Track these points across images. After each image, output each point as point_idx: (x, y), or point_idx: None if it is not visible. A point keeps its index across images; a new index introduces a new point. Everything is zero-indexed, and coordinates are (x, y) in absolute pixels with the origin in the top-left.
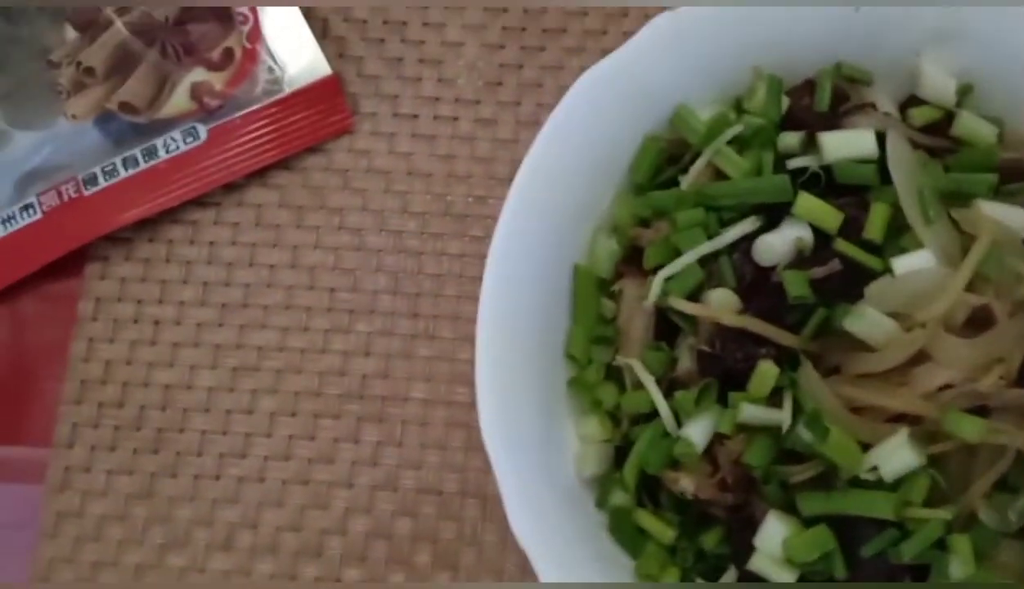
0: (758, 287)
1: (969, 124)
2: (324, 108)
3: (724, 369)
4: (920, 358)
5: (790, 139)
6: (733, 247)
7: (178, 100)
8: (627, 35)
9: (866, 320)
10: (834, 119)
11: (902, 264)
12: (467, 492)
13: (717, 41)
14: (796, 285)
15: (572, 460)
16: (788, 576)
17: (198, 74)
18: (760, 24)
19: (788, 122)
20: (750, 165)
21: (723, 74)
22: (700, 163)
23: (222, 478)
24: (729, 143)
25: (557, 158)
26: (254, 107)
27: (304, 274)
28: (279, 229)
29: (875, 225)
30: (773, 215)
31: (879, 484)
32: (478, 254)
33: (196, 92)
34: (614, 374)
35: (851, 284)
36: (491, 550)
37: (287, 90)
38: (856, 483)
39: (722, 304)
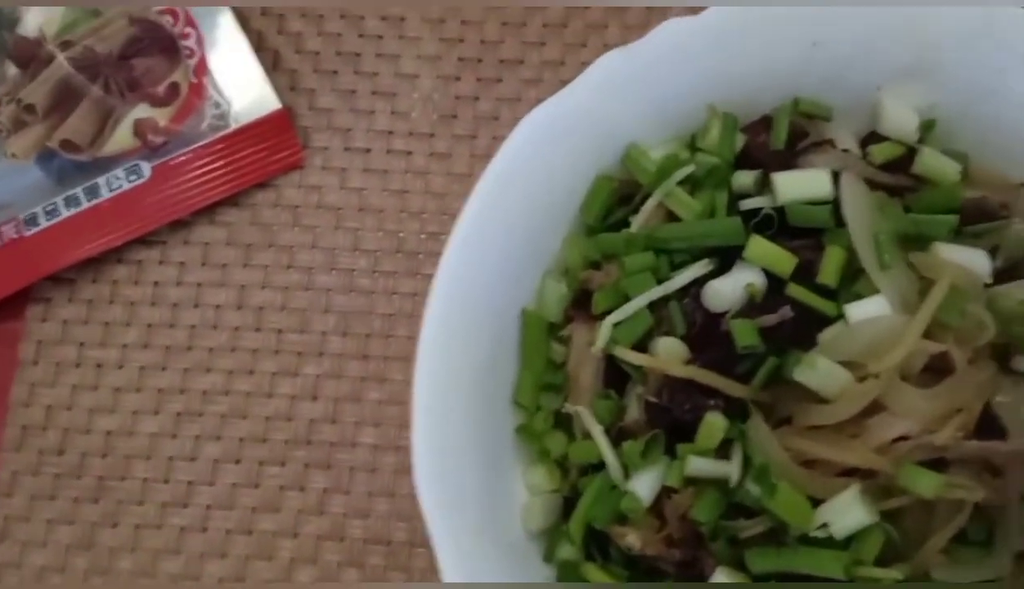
0: (708, 335)
1: (931, 162)
2: (273, 143)
3: (672, 420)
4: (875, 408)
5: (744, 178)
6: (684, 291)
7: (121, 137)
8: (584, 65)
9: (817, 370)
10: (790, 157)
11: (856, 311)
12: (416, 542)
13: (671, 79)
14: (745, 334)
15: (519, 512)
16: None
17: (142, 110)
18: (715, 61)
19: (744, 160)
20: (702, 206)
21: (677, 112)
22: (650, 204)
23: (164, 527)
24: (682, 183)
25: (502, 199)
26: (200, 143)
27: (251, 315)
28: (226, 268)
29: (829, 269)
30: (726, 257)
31: (830, 541)
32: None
33: (140, 129)
34: (563, 421)
35: (805, 330)
36: None
37: (234, 125)
38: (806, 540)
39: (670, 353)
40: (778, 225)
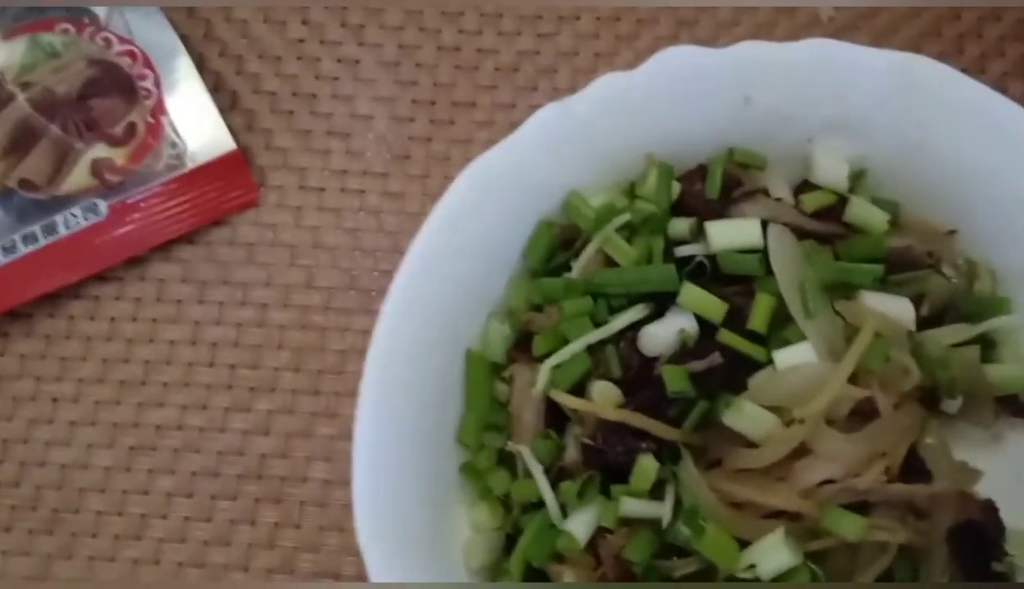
0: (642, 379)
1: (860, 211)
2: (227, 183)
3: (606, 462)
4: (802, 452)
5: (680, 226)
6: (621, 335)
7: (79, 176)
8: (534, 108)
9: (745, 415)
10: (723, 206)
11: (783, 357)
12: (364, 577)
13: (608, 130)
14: (675, 379)
15: (461, 550)
16: None
17: (100, 150)
18: (651, 114)
19: (680, 208)
20: (639, 253)
21: (616, 160)
22: (589, 250)
23: (117, 560)
24: (620, 229)
25: (448, 241)
26: (156, 182)
27: (205, 350)
28: (180, 304)
29: (758, 316)
30: (662, 302)
31: (758, 583)
32: None
33: (97, 168)
34: (507, 459)
35: (735, 375)
36: None
37: (190, 165)
38: (735, 580)
39: (604, 397)
40: (711, 272)
